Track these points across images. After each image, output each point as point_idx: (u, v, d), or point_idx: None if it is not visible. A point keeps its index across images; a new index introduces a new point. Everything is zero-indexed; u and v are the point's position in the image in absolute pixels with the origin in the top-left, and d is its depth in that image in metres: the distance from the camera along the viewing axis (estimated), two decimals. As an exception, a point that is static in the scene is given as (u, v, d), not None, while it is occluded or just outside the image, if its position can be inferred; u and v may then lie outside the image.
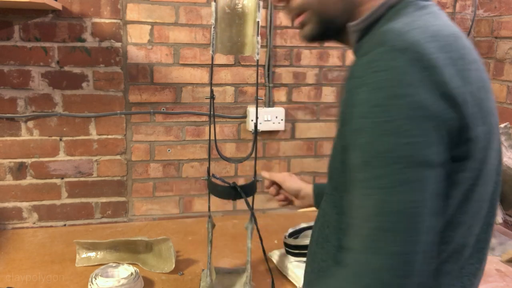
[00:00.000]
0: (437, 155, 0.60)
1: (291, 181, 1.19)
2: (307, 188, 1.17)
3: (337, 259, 0.72)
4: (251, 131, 1.73)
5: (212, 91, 1.15)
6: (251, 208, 1.15)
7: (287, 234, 1.36)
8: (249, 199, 1.18)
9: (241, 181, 1.78)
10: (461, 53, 0.65)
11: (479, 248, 0.72)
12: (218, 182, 1.17)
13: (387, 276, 0.58)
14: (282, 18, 1.71)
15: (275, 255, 1.40)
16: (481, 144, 0.65)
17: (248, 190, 1.17)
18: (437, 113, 0.59)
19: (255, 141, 1.19)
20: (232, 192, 1.15)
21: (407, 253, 0.58)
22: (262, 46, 1.69)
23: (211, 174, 1.18)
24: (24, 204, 1.62)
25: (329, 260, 0.77)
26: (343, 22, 0.74)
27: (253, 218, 1.20)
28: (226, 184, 1.16)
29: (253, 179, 1.19)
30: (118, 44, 1.60)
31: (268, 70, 1.73)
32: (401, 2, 0.70)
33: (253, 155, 1.19)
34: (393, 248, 0.58)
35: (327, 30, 0.77)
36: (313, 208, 1.85)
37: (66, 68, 1.57)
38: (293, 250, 1.31)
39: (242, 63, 1.71)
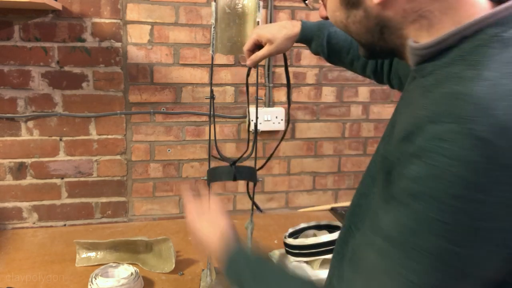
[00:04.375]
0: (487, 270, 0.51)
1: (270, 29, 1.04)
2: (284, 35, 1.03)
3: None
4: (251, 131, 1.73)
5: (212, 91, 1.15)
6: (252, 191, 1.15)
7: (287, 234, 1.36)
8: (249, 200, 1.17)
9: (241, 182, 1.78)
10: None
11: None
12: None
13: None
14: (282, 18, 1.71)
15: (275, 255, 1.39)
16: None
17: (247, 172, 1.17)
18: (505, 225, 0.49)
19: (255, 141, 1.19)
20: (231, 171, 1.14)
21: None
22: (262, 46, 1.69)
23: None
24: (24, 204, 1.62)
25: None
26: (388, 45, 0.65)
27: (252, 217, 1.20)
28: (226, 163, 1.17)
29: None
30: (118, 44, 1.60)
31: (268, 70, 1.73)
32: (480, 34, 0.54)
33: (253, 155, 1.19)
34: None
35: (374, 53, 0.69)
36: (314, 208, 1.86)
37: (66, 68, 1.57)
38: (293, 250, 1.31)
39: (242, 63, 1.71)
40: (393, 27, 0.62)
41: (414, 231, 0.51)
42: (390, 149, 0.59)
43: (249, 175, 1.18)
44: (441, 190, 0.49)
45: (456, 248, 0.49)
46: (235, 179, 1.15)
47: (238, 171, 1.15)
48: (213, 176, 1.17)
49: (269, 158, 1.21)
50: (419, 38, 0.60)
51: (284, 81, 1.76)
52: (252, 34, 1.04)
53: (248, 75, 1.16)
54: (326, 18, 0.72)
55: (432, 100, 0.53)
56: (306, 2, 0.79)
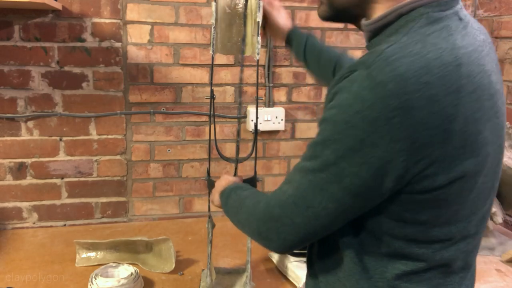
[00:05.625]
0: (368, 190, 0.65)
1: (278, 15, 1.20)
2: (284, 27, 1.20)
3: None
4: (251, 131, 1.73)
5: (212, 91, 1.15)
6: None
7: (287, 234, 1.36)
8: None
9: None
10: (460, 84, 0.63)
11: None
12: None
13: (273, 234, 0.75)
14: (282, 18, 1.71)
15: (275, 255, 1.39)
16: (463, 181, 0.66)
17: (249, 183, 1.17)
18: (386, 155, 0.62)
19: (255, 141, 1.19)
20: None
21: (291, 229, 0.72)
22: (262, 46, 1.69)
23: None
24: (24, 204, 1.62)
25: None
26: (356, 14, 0.74)
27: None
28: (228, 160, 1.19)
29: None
30: (118, 44, 1.60)
31: (268, 70, 1.73)
32: (413, 11, 0.67)
33: (253, 155, 1.19)
34: (287, 220, 0.72)
35: (338, 16, 0.78)
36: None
37: (66, 68, 1.57)
38: (293, 250, 1.31)
39: (243, 63, 1.71)
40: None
41: (317, 145, 0.68)
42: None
43: (250, 184, 1.17)
44: (338, 116, 0.64)
45: (341, 162, 0.64)
46: None
47: None
48: (213, 188, 1.17)
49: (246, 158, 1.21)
50: (377, 15, 0.72)
51: (284, 81, 1.76)
52: None
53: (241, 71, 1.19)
54: None
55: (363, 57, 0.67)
56: None
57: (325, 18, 0.80)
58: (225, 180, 1.04)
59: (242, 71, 1.17)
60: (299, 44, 1.18)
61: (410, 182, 0.64)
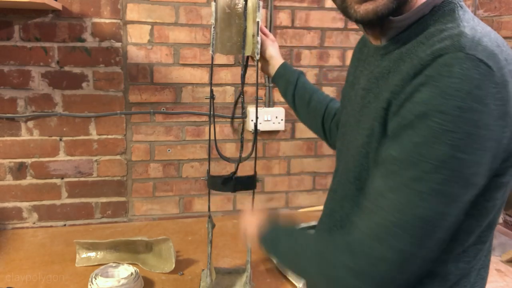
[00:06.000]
0: (481, 177, 0.61)
1: (272, 45, 1.19)
2: (277, 58, 1.18)
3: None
4: (251, 131, 1.73)
5: (212, 91, 1.15)
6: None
7: (287, 234, 1.36)
8: (249, 197, 1.17)
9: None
10: None
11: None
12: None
13: (384, 267, 0.61)
14: (282, 18, 1.71)
15: (275, 255, 1.39)
16: None
17: (247, 182, 1.17)
18: (497, 135, 0.60)
19: (255, 141, 1.19)
20: (231, 183, 1.15)
21: (411, 253, 0.61)
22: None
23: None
24: (24, 204, 1.62)
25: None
26: (398, 7, 0.69)
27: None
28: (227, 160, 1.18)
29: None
30: (118, 44, 1.60)
31: (268, 70, 1.73)
32: (445, 2, 0.69)
33: (253, 155, 1.19)
34: (400, 246, 0.60)
35: (399, 7, 0.69)
36: (314, 208, 1.85)
37: (66, 68, 1.57)
38: (293, 250, 1.31)
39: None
40: None
41: (422, 146, 0.59)
42: (379, 106, 0.69)
43: (249, 185, 1.18)
44: (446, 104, 0.58)
45: (459, 154, 0.58)
46: (234, 190, 1.16)
47: (238, 181, 1.15)
48: (213, 185, 1.17)
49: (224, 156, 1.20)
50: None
51: (284, 81, 1.76)
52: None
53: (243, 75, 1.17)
54: None
55: (432, 45, 0.64)
56: None
57: (388, 10, 0.68)
58: (256, 218, 0.91)
59: (258, 74, 1.15)
60: (289, 81, 1.15)
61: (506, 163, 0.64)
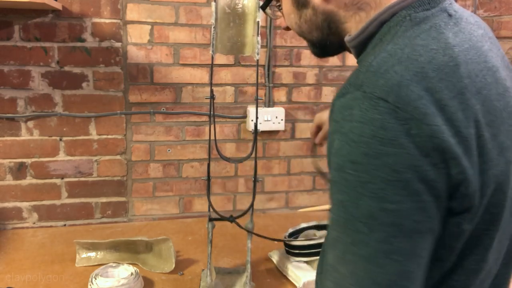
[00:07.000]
0: (431, 222, 0.53)
1: None
2: None
3: None
4: (251, 131, 1.73)
5: (212, 91, 1.15)
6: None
7: (287, 234, 1.36)
8: (249, 200, 1.17)
9: (241, 181, 1.78)
10: (461, 85, 0.55)
11: (496, 284, 0.67)
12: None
13: None
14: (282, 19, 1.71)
15: (275, 255, 1.39)
16: (489, 190, 0.57)
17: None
18: (424, 174, 0.51)
19: (255, 141, 1.19)
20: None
21: None
22: (262, 46, 1.69)
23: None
24: (24, 204, 1.62)
25: None
26: (337, 40, 0.70)
27: (252, 217, 1.20)
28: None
29: (253, 179, 1.19)
30: (118, 44, 1.60)
31: (268, 70, 1.73)
32: (395, 16, 0.60)
33: (253, 155, 1.19)
34: None
35: (325, 49, 0.74)
36: (314, 208, 1.85)
37: (66, 68, 1.57)
38: (293, 250, 1.31)
39: (242, 63, 1.71)
40: (338, 21, 0.67)
41: (348, 204, 0.53)
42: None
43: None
44: (355, 152, 0.52)
45: (387, 204, 0.51)
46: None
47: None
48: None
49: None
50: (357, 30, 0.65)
51: (284, 81, 1.76)
52: (314, 119, 1.20)
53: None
54: (287, 28, 0.78)
55: (348, 80, 0.59)
56: (266, 11, 0.82)
57: (316, 55, 0.77)
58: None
59: (258, 74, 1.15)
60: None
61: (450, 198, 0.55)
